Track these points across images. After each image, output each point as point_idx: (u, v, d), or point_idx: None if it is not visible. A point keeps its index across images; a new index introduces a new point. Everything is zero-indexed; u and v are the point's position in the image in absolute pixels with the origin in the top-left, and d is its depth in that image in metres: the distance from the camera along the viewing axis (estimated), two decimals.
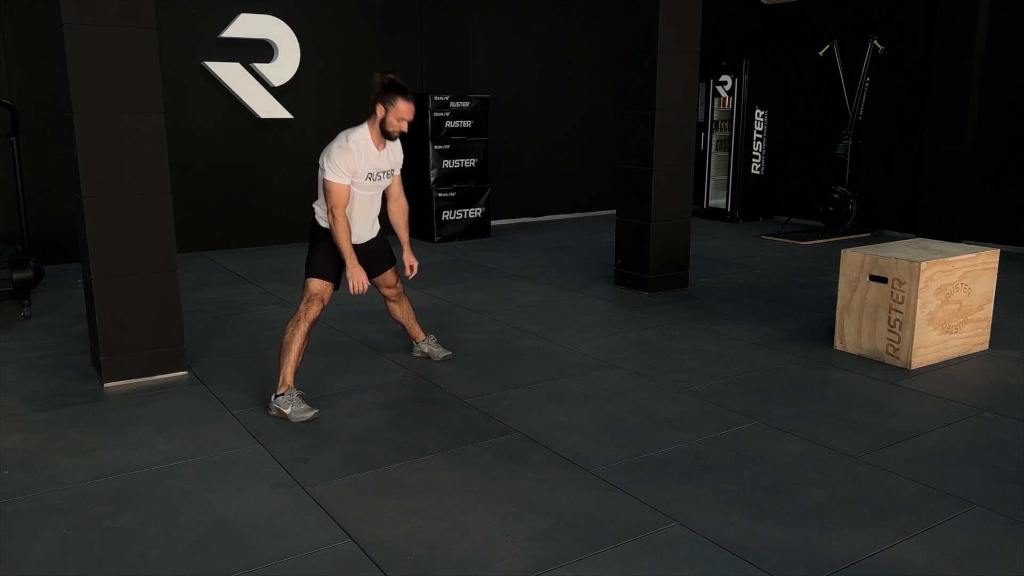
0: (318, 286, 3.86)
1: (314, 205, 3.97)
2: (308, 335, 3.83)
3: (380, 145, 3.86)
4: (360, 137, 3.80)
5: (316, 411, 3.75)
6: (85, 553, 2.64)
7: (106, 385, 4.17)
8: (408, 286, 6.38)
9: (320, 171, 3.81)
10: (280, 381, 3.78)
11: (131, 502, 2.97)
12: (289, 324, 3.83)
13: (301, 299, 3.87)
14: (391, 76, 3.79)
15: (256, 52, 7.75)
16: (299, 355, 3.80)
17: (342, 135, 3.81)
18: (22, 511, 2.91)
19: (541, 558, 2.61)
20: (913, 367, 4.44)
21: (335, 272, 3.91)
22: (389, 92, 3.75)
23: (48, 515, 2.88)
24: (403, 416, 3.80)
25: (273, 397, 3.78)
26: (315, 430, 3.63)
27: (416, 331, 4.56)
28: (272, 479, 3.16)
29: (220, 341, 4.94)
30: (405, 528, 2.79)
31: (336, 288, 3.94)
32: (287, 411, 3.71)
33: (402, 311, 4.47)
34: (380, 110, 3.78)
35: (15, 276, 5.23)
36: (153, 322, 4.25)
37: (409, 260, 4.15)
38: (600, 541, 2.71)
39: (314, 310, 3.83)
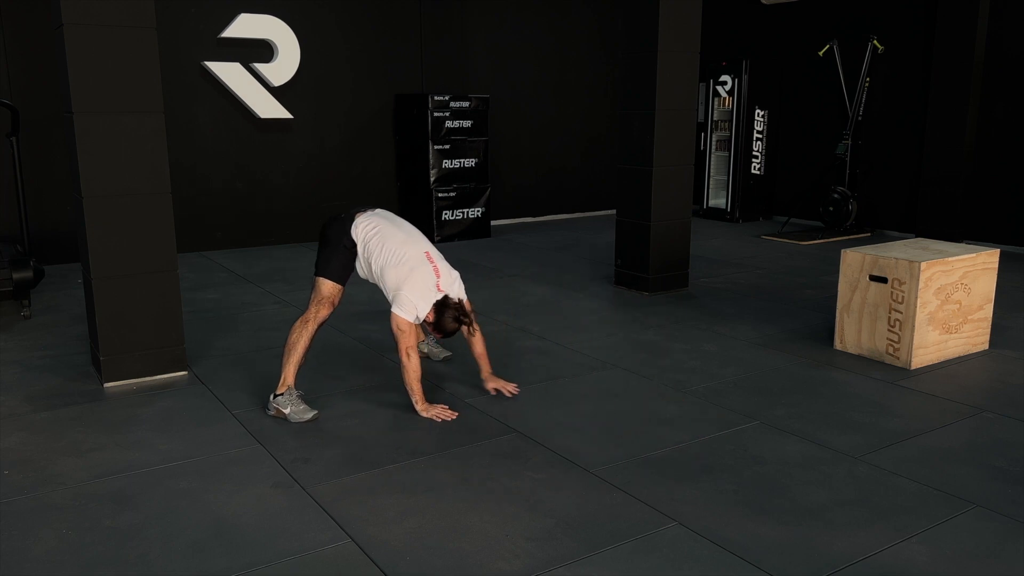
0: (330, 288, 3.80)
1: (357, 218, 3.86)
2: (314, 336, 3.82)
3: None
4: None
5: (316, 412, 3.74)
6: (85, 553, 2.64)
7: (106, 385, 4.17)
8: None
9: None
10: (280, 380, 3.77)
11: (131, 502, 2.97)
12: (297, 324, 3.81)
13: (311, 299, 3.83)
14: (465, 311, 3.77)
15: (256, 52, 7.75)
16: (303, 356, 3.79)
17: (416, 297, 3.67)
18: (22, 511, 2.91)
19: (541, 558, 2.61)
20: (913, 367, 4.43)
21: (347, 275, 3.88)
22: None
23: (48, 515, 2.88)
24: (403, 416, 3.79)
25: (272, 396, 3.76)
26: (315, 430, 3.63)
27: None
28: (272, 479, 3.16)
29: (220, 341, 4.94)
30: (405, 528, 2.79)
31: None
32: (286, 411, 3.70)
33: None
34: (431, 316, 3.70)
35: (15, 276, 5.22)
36: (153, 322, 4.24)
37: (493, 385, 4.06)
38: (600, 541, 2.71)
39: (324, 312, 3.80)
